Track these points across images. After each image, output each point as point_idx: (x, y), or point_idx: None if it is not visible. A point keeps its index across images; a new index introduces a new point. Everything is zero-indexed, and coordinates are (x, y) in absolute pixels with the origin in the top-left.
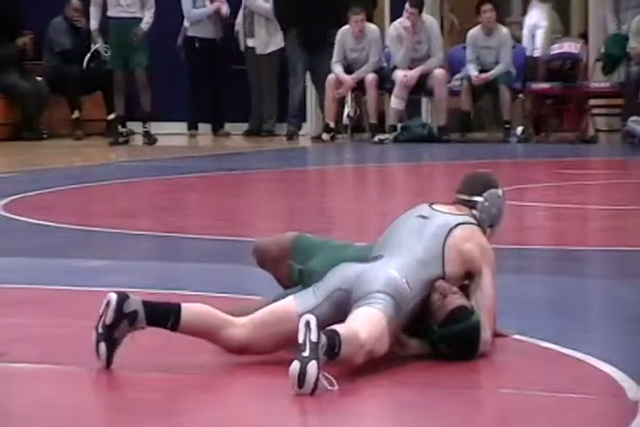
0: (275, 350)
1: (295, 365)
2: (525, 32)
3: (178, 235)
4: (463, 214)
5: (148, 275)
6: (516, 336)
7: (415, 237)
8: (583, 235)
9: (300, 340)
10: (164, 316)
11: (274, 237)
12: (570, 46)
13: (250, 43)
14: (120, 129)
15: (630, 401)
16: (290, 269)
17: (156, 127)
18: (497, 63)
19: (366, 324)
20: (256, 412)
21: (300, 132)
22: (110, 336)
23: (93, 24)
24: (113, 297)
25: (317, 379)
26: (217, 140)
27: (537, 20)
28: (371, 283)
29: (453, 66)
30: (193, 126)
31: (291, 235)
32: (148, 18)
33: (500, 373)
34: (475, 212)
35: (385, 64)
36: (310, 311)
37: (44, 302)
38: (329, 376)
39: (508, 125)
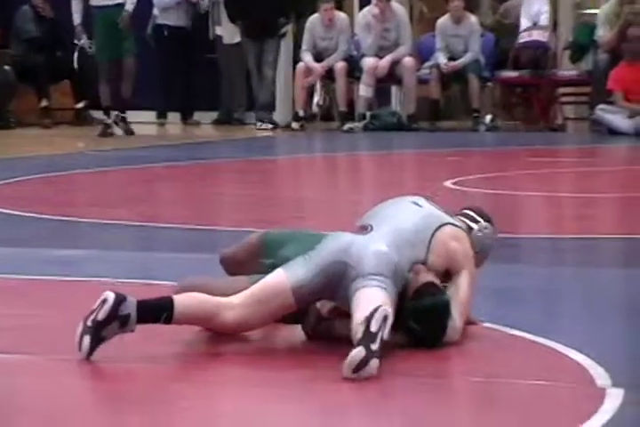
0: (267, 324)
1: (360, 351)
2: (524, 20)
3: (151, 224)
4: (458, 221)
5: (122, 264)
6: (486, 324)
7: (406, 218)
8: (552, 223)
9: (374, 329)
10: (157, 314)
11: (239, 244)
12: (538, 35)
13: (218, 31)
14: (107, 120)
15: (599, 388)
16: (262, 268)
17: (135, 116)
18: (466, 52)
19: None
20: (238, 402)
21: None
22: (98, 332)
23: (76, 18)
24: (110, 296)
25: (371, 375)
26: (186, 129)
27: (539, 6)
28: (369, 261)
29: (423, 54)
30: (162, 115)
31: (256, 235)
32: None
33: (471, 361)
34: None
35: (354, 52)
36: (303, 284)
37: (18, 292)
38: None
39: (476, 114)
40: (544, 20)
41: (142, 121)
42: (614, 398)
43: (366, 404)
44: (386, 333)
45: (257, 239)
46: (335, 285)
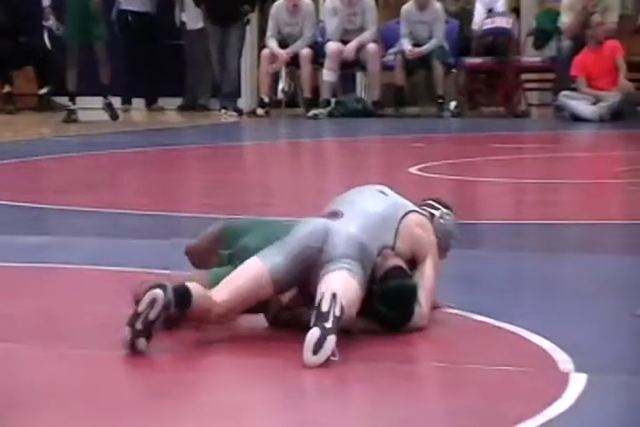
0: (246, 311)
1: (315, 332)
2: (479, 6)
3: (115, 211)
4: (423, 210)
5: (87, 251)
6: (451, 310)
7: (374, 204)
8: (516, 209)
9: (325, 308)
10: (185, 302)
11: (202, 234)
12: (502, 21)
13: (184, 17)
14: (71, 106)
15: (562, 373)
16: (219, 259)
17: (89, 102)
18: (430, 38)
19: (346, 290)
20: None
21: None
22: (150, 331)
23: (45, 0)
24: (160, 296)
25: (332, 353)
26: (151, 115)
27: None
28: (339, 245)
29: (387, 41)
30: (126, 101)
31: (216, 225)
32: None
33: (436, 347)
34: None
35: (320, 39)
36: (280, 272)
37: None
38: (335, 350)
39: (441, 100)
40: (500, 6)
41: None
42: (577, 383)
43: (329, 389)
44: (337, 309)
45: (217, 230)
46: (309, 271)
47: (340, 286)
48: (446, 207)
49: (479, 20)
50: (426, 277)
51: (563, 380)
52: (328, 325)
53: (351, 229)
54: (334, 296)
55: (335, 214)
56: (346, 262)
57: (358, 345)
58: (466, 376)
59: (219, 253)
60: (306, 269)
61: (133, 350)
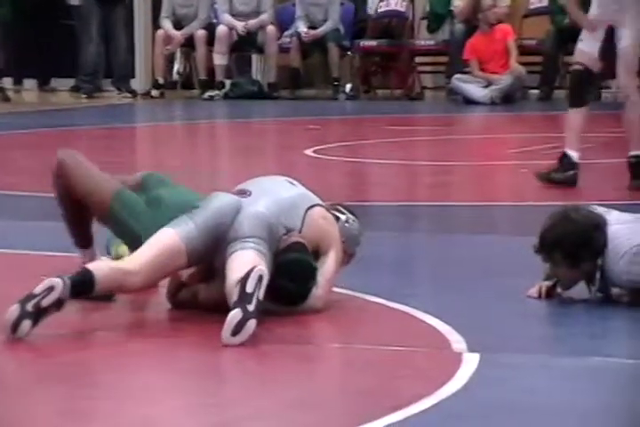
0: (162, 280)
1: (237, 313)
2: None
3: (5, 192)
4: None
5: None
6: (345, 291)
7: (283, 190)
8: (409, 190)
9: (249, 289)
10: (85, 292)
11: (127, 177)
12: (396, 4)
13: None
14: None
15: (455, 353)
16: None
17: None
18: (325, 20)
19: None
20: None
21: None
22: (39, 318)
23: None
24: (59, 285)
25: (250, 335)
26: (43, 96)
27: None
28: (247, 224)
29: (283, 23)
30: (18, 82)
31: (141, 173)
32: None
33: (330, 328)
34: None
35: (214, 20)
36: (194, 242)
37: None
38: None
39: (336, 82)
40: None
41: None
42: (470, 363)
43: (224, 371)
44: (261, 293)
45: (140, 176)
46: (217, 245)
47: (262, 266)
48: (351, 213)
49: (373, 3)
50: (326, 267)
51: (456, 360)
52: (251, 308)
53: (260, 209)
54: (260, 279)
55: (243, 192)
56: (254, 242)
57: (257, 327)
58: (360, 357)
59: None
60: (214, 243)
61: (14, 330)
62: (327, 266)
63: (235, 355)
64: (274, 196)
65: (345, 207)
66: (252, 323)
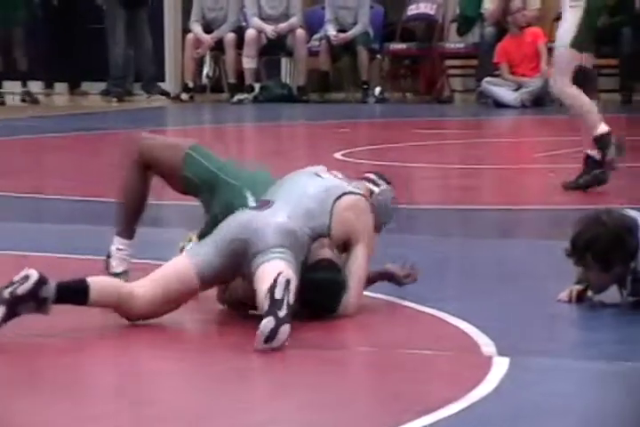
0: (174, 309)
1: (269, 322)
2: None
3: (36, 196)
4: (358, 188)
5: (6, 236)
6: (374, 295)
7: (307, 189)
8: (438, 194)
9: (278, 295)
10: (73, 299)
11: (163, 142)
12: (426, 7)
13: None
14: None
15: (485, 356)
16: (184, 182)
17: (12, 86)
18: (355, 24)
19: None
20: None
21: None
22: (13, 307)
23: None
24: (34, 276)
25: (285, 341)
26: (74, 100)
27: None
28: (268, 235)
29: (312, 26)
30: (49, 85)
31: (185, 145)
32: None
33: (359, 331)
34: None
35: (244, 23)
36: (208, 266)
37: None
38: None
39: (366, 86)
40: None
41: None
42: (500, 367)
43: (257, 375)
44: (291, 297)
45: (182, 149)
46: (238, 263)
47: (289, 271)
48: (387, 182)
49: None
50: (356, 264)
51: (485, 363)
52: (282, 313)
53: (279, 219)
54: (288, 283)
55: (266, 203)
56: (278, 252)
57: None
58: (389, 360)
59: (185, 176)
60: (233, 261)
61: None
62: (356, 265)
63: (263, 359)
64: (297, 200)
65: (378, 175)
66: (285, 328)
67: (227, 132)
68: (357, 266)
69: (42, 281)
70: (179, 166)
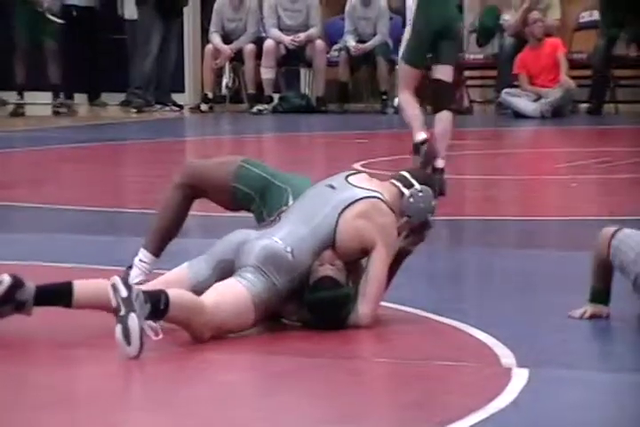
0: None
1: (117, 328)
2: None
3: (54, 206)
4: (374, 190)
5: (23, 247)
6: (393, 305)
7: (316, 205)
8: (460, 205)
9: (114, 304)
10: (56, 300)
11: (211, 160)
12: None
13: (126, 11)
14: (18, 100)
15: (504, 368)
16: (234, 194)
17: (30, 97)
18: (374, 34)
19: (216, 302)
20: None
21: (180, 102)
22: None
23: None
24: (6, 281)
25: (142, 329)
26: (93, 110)
27: None
28: (248, 255)
29: (331, 37)
30: (69, 96)
31: (233, 158)
32: None
33: (378, 342)
34: (405, 191)
35: (263, 34)
36: (202, 282)
37: None
38: (153, 325)
39: (385, 96)
40: None
41: (49, 102)
42: (519, 378)
43: (276, 385)
44: (122, 293)
45: (233, 164)
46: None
47: (210, 292)
48: (421, 182)
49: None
50: (373, 270)
51: (505, 374)
52: (122, 312)
53: (265, 241)
54: (113, 286)
55: (273, 221)
56: (246, 271)
57: (299, 341)
58: (408, 371)
59: (235, 187)
60: (225, 279)
61: None
62: (373, 272)
63: (280, 369)
64: (299, 218)
65: (413, 174)
66: (131, 318)
67: (246, 142)
68: (374, 273)
69: (16, 284)
70: (228, 180)
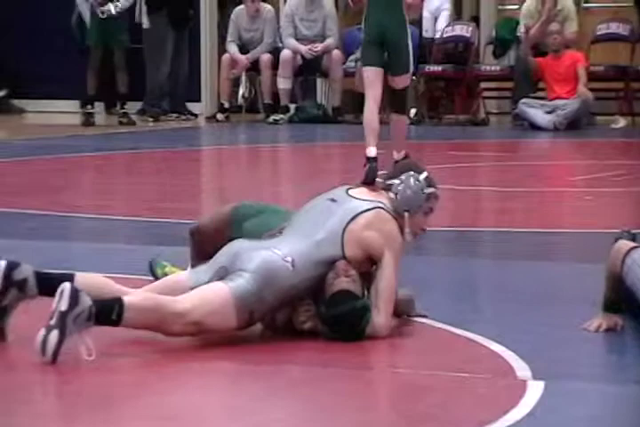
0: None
1: (41, 332)
2: (426, 14)
3: (71, 214)
4: (375, 200)
5: (38, 254)
6: (407, 316)
7: (319, 219)
8: (474, 216)
9: (53, 307)
10: (57, 282)
11: (211, 214)
12: (461, 29)
13: (143, 20)
14: (89, 109)
15: (519, 380)
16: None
17: (47, 105)
18: None
19: (197, 297)
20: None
21: (197, 112)
22: None
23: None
24: (2, 264)
25: (58, 348)
26: (111, 119)
27: (440, 2)
28: (243, 262)
29: (348, 47)
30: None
31: (228, 207)
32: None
33: (394, 353)
34: (390, 194)
35: (280, 44)
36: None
37: None
38: (90, 346)
39: None
40: (444, 16)
41: (66, 110)
42: (535, 391)
43: (286, 394)
44: (62, 305)
45: (228, 212)
46: None
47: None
48: (399, 174)
49: (428, 27)
50: (383, 279)
51: (520, 387)
52: (52, 322)
53: (262, 251)
54: (61, 293)
55: (272, 235)
56: (236, 275)
57: (315, 350)
58: (423, 382)
59: (228, 236)
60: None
61: None
62: (383, 281)
63: (294, 378)
64: (303, 232)
65: (390, 177)
66: (53, 335)
67: (262, 152)
68: (384, 282)
69: (11, 266)
70: (226, 221)
